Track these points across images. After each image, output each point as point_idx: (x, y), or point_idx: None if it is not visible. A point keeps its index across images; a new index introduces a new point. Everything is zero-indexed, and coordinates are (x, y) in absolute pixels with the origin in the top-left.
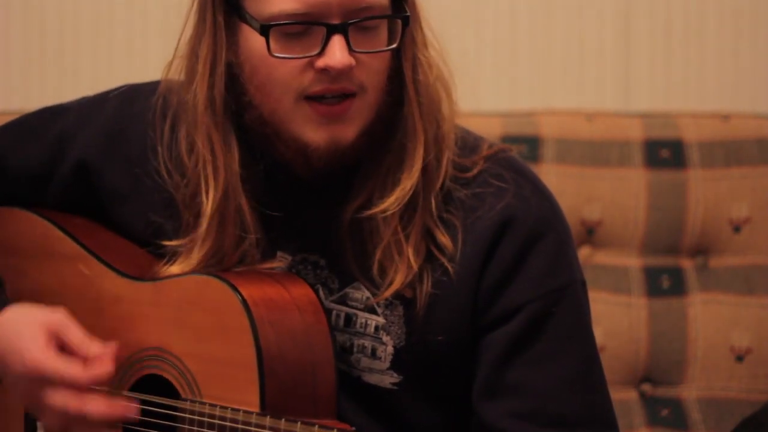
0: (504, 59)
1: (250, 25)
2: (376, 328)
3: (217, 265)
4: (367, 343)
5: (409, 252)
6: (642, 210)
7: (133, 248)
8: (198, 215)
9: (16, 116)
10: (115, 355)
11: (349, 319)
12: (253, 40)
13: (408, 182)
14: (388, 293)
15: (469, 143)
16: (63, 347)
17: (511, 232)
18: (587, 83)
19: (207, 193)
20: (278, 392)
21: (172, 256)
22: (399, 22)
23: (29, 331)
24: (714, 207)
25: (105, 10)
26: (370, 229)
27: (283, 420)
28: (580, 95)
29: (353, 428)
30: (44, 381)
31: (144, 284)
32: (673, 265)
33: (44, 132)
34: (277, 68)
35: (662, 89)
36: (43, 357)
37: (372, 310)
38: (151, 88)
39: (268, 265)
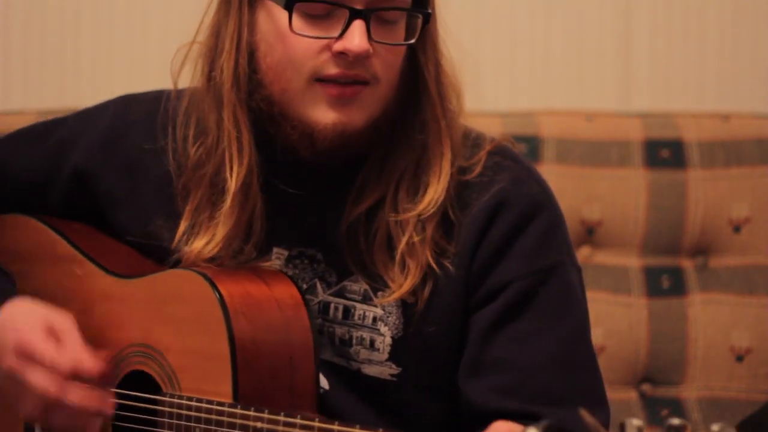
0: (504, 59)
1: (275, 1)
2: (374, 319)
3: (241, 242)
4: (366, 334)
5: (425, 257)
6: (642, 210)
7: (128, 251)
8: (222, 192)
9: (16, 116)
10: (105, 371)
11: (348, 311)
12: (274, 17)
13: (438, 186)
14: (395, 296)
15: (470, 141)
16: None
17: (502, 214)
18: (587, 83)
19: (231, 169)
20: (252, 383)
21: (189, 235)
22: (419, 18)
23: (32, 319)
24: (714, 207)
25: (105, 10)
26: (380, 229)
27: (252, 409)
28: (580, 95)
29: (317, 415)
30: (32, 359)
31: (131, 281)
32: (673, 265)
33: (44, 141)
34: (293, 46)
35: (662, 89)
36: (36, 338)
37: (370, 302)
38: (146, 97)
39: (263, 263)
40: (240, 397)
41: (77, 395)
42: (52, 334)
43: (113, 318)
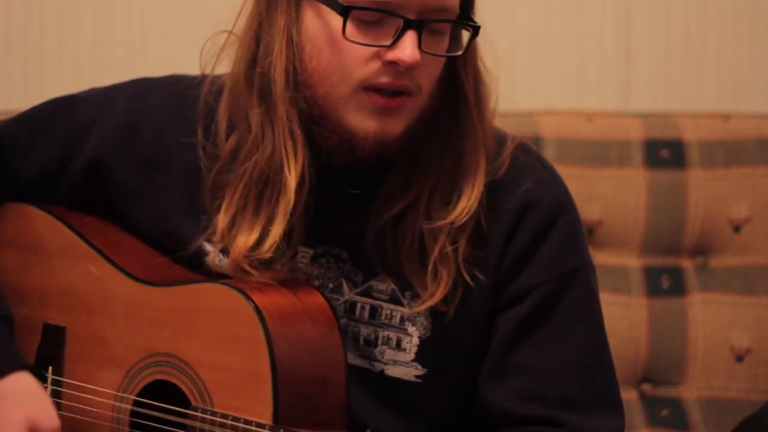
0: (504, 59)
1: (328, 5)
2: (402, 319)
3: (287, 245)
4: (392, 334)
5: (457, 266)
6: (642, 210)
7: (144, 248)
8: (277, 190)
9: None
10: None
11: (374, 311)
12: (325, 21)
13: (472, 194)
14: (428, 305)
15: (495, 140)
16: None
17: (530, 216)
18: (587, 83)
19: (289, 167)
20: (291, 405)
21: (230, 229)
22: (467, 31)
23: (16, 414)
24: (714, 207)
25: (105, 9)
26: (410, 235)
27: None
28: (580, 95)
29: None
30: None
31: (155, 289)
32: (673, 265)
33: (55, 127)
34: (344, 52)
35: (662, 89)
36: None
37: (397, 302)
38: (163, 81)
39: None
40: (279, 418)
41: None
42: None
43: (134, 324)
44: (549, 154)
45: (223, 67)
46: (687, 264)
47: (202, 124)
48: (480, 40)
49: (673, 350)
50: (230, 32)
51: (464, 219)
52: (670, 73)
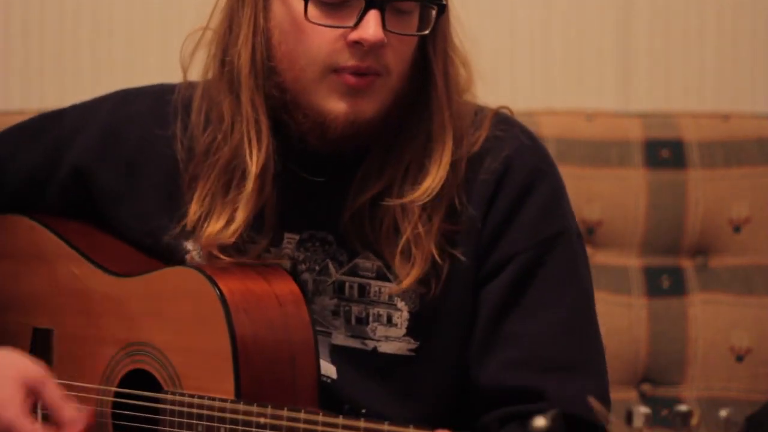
0: (504, 59)
1: None
2: (390, 295)
3: (256, 228)
4: (382, 310)
5: (430, 247)
6: (642, 210)
7: (127, 248)
8: (239, 177)
9: (16, 116)
10: (91, 419)
11: (363, 289)
12: (289, 5)
13: (437, 174)
14: (404, 286)
15: (477, 115)
16: (40, 404)
17: (507, 183)
18: (587, 83)
19: (251, 154)
20: (254, 380)
21: (202, 219)
22: (433, 10)
23: (8, 385)
24: (714, 207)
25: (105, 10)
26: (386, 217)
27: (255, 405)
28: (580, 95)
29: (320, 410)
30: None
31: (129, 279)
32: (673, 265)
33: (41, 138)
34: (309, 36)
35: (662, 89)
36: (18, 421)
37: (384, 278)
38: (147, 90)
39: (274, 251)
40: (242, 394)
41: None
42: (32, 396)
43: (112, 317)
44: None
45: (201, 63)
46: (687, 264)
47: (180, 119)
48: (460, 24)
49: (673, 350)
50: (205, 28)
51: (427, 198)
52: (670, 73)
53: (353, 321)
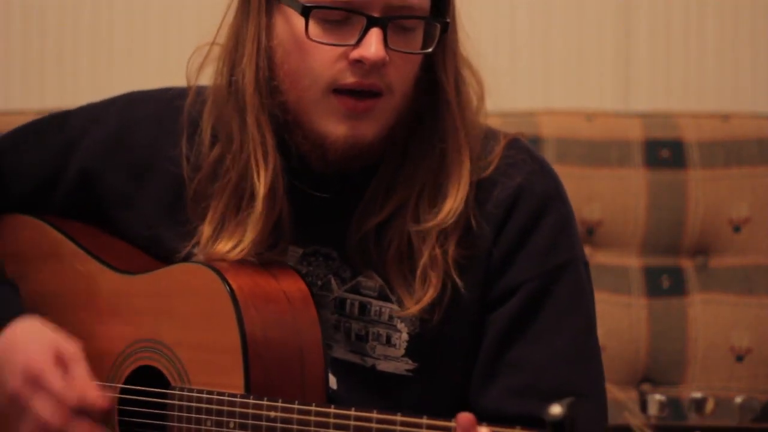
0: (504, 59)
1: (291, 6)
2: (391, 315)
3: (268, 246)
4: (382, 330)
5: (449, 268)
6: (642, 210)
7: (132, 249)
8: (248, 197)
9: (16, 116)
10: (110, 403)
11: (364, 308)
12: (290, 23)
13: (458, 195)
14: (417, 308)
15: (489, 140)
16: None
17: (518, 210)
18: (587, 83)
19: (259, 176)
20: (263, 376)
21: (213, 240)
22: (437, 27)
23: (40, 345)
24: (714, 207)
25: (105, 10)
26: (396, 239)
27: (266, 399)
28: (580, 95)
29: (332, 406)
30: (39, 386)
31: (137, 277)
32: (673, 265)
33: (49, 140)
34: (311, 54)
35: (662, 89)
36: (46, 366)
37: (386, 298)
38: (153, 94)
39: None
40: (252, 390)
41: (81, 430)
42: (60, 361)
43: (119, 314)
44: (549, 154)
45: (208, 78)
46: (687, 264)
47: (186, 133)
48: (471, 41)
49: (673, 350)
50: (212, 43)
51: (451, 220)
52: (670, 73)
53: (353, 337)
